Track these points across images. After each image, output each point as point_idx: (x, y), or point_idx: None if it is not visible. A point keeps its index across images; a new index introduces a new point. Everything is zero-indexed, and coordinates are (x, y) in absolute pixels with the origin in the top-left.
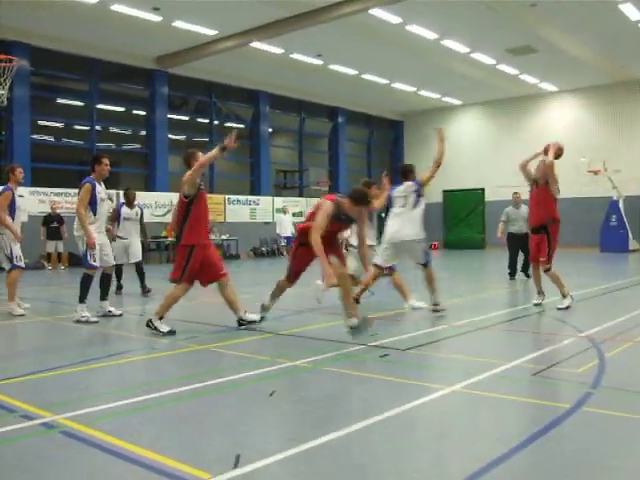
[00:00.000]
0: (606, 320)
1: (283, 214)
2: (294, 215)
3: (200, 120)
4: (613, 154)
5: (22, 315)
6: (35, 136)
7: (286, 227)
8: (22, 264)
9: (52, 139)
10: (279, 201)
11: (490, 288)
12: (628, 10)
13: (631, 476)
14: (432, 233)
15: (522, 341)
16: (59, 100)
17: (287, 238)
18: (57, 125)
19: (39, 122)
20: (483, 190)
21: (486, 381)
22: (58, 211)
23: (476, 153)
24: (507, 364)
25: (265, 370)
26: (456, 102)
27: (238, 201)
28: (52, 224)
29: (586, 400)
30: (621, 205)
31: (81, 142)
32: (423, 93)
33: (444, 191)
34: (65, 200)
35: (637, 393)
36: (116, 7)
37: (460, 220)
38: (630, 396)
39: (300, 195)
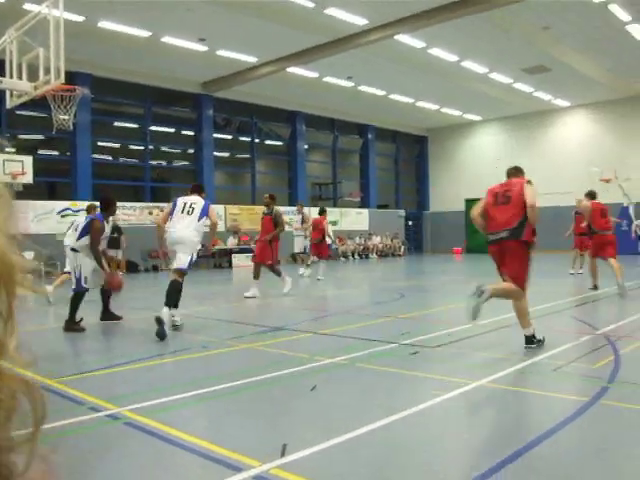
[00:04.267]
0: (621, 318)
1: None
2: (331, 223)
3: (242, 139)
4: (623, 163)
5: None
6: (95, 155)
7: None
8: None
9: (110, 158)
10: (314, 211)
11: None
12: (635, 30)
13: None
14: (455, 239)
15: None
16: (116, 123)
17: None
18: (115, 145)
19: (99, 143)
20: None
21: (509, 376)
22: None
23: (496, 164)
24: (528, 360)
25: (306, 367)
26: (476, 118)
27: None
28: (113, 234)
29: (603, 394)
30: (631, 211)
31: (136, 160)
32: (445, 110)
33: (466, 200)
34: (122, 212)
35: None
36: (166, 39)
37: None
38: None
39: (334, 205)
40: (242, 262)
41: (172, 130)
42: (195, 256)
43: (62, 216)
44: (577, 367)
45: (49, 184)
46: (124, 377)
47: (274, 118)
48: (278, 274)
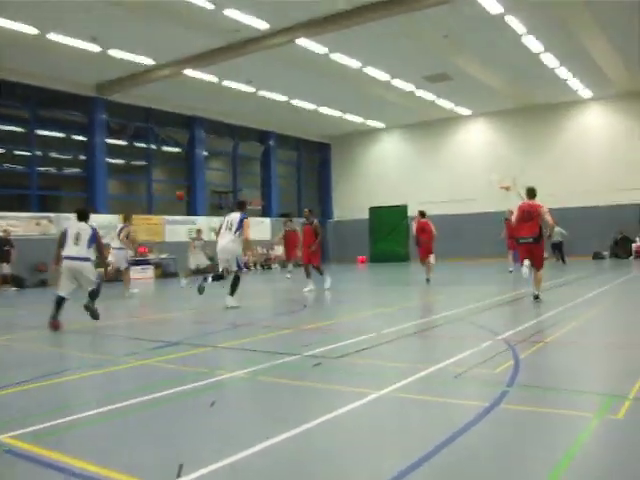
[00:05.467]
0: (519, 324)
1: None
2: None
3: (138, 145)
4: (522, 172)
5: None
6: None
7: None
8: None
9: None
10: (216, 221)
11: (414, 298)
12: (530, 42)
13: (545, 463)
14: (360, 248)
15: (444, 346)
16: None
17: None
18: None
19: None
20: (406, 207)
21: (412, 385)
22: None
23: (399, 172)
24: (431, 368)
25: (205, 382)
26: (379, 125)
27: (175, 221)
28: (4, 247)
29: (503, 398)
30: None
31: (22, 167)
32: (348, 117)
33: (370, 208)
34: (6, 223)
35: (548, 389)
36: (53, 36)
37: (385, 235)
38: (542, 392)
39: None
40: (139, 274)
41: (62, 135)
42: (241, 260)
43: None
44: (478, 373)
45: None
46: (4, 401)
47: (172, 123)
48: (321, 273)
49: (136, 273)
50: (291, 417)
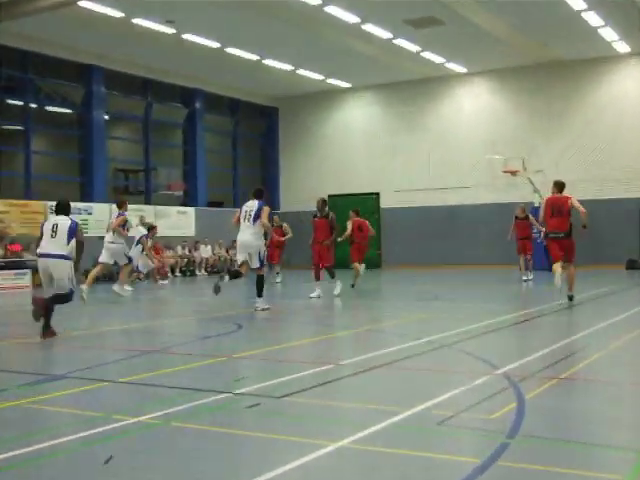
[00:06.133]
0: (526, 353)
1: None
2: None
3: (11, 102)
4: (534, 151)
5: None
6: None
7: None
8: None
9: None
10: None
11: (387, 317)
12: None
13: None
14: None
15: (425, 382)
16: None
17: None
18: None
19: None
20: (378, 195)
21: (381, 433)
22: None
23: (370, 149)
24: (407, 411)
25: (99, 430)
26: (344, 85)
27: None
28: None
29: (501, 453)
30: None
31: None
32: (303, 73)
33: (331, 197)
34: None
35: (561, 442)
36: None
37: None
38: (553, 445)
39: (147, 202)
40: (8, 283)
41: None
42: (263, 253)
43: None
44: (470, 418)
45: None
46: None
47: (60, 74)
48: (332, 276)
49: (6, 280)
50: (215, 477)
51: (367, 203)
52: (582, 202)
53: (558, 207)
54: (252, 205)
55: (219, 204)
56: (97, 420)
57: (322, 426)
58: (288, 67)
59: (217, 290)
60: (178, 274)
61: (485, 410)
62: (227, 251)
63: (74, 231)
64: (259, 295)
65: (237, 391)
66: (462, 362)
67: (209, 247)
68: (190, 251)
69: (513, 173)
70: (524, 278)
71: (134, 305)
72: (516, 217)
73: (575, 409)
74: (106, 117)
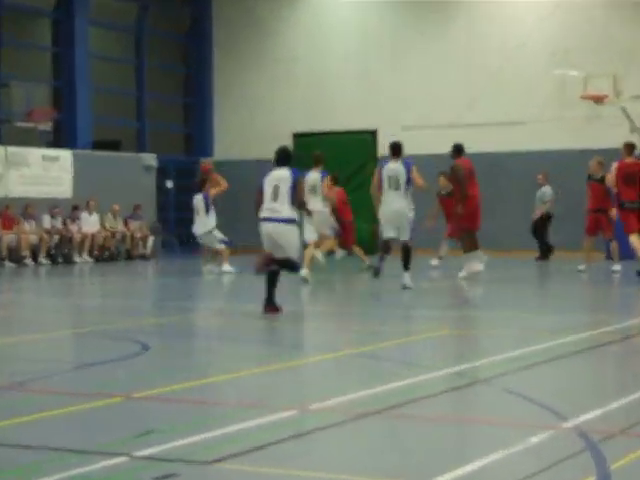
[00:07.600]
0: (609, 397)
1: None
2: None
3: None
4: (630, 66)
5: None
6: None
7: None
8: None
9: None
10: None
11: (385, 332)
12: None
13: None
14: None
15: (448, 439)
16: None
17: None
18: None
19: None
20: (374, 133)
21: None
22: None
23: (363, 66)
24: None
25: None
26: None
27: None
28: None
29: None
30: None
31: None
32: None
33: (296, 135)
34: None
35: None
36: None
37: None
38: None
39: None
40: None
41: None
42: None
43: None
44: None
45: None
46: None
47: None
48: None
49: None
50: None
51: (358, 146)
52: None
53: (632, 175)
54: (397, 169)
55: (113, 145)
56: None
57: None
58: None
59: (377, 273)
60: (44, 260)
61: None
62: (126, 224)
63: (295, 186)
64: (406, 268)
65: (138, 453)
66: (508, 408)
67: (96, 216)
68: (65, 223)
69: (598, 100)
70: (580, 267)
71: None
72: (589, 176)
73: None
74: None
